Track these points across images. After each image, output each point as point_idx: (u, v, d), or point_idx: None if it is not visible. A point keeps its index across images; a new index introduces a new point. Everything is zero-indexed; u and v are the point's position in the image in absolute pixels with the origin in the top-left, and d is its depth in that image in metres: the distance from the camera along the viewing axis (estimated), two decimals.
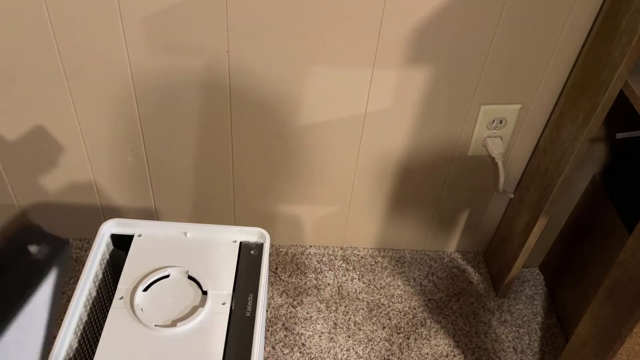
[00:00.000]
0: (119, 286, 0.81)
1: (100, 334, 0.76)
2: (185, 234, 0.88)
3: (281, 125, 1.09)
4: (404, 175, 1.19)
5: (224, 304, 0.80)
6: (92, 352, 0.73)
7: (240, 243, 0.88)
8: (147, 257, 0.84)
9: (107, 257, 0.87)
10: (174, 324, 0.77)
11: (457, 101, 1.06)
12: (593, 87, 0.94)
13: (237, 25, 0.94)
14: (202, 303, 0.79)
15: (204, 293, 0.81)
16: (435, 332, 1.21)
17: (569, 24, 0.96)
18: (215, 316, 0.78)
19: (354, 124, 1.09)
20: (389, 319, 1.22)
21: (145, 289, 0.81)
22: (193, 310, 0.78)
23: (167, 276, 0.82)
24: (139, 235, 0.87)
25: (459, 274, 1.32)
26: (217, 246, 0.87)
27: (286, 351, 1.14)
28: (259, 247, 0.88)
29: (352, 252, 1.34)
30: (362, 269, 1.31)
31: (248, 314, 0.79)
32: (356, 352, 1.16)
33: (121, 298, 0.79)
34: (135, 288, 0.80)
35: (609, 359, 0.85)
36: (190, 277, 0.83)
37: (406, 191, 1.22)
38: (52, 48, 0.95)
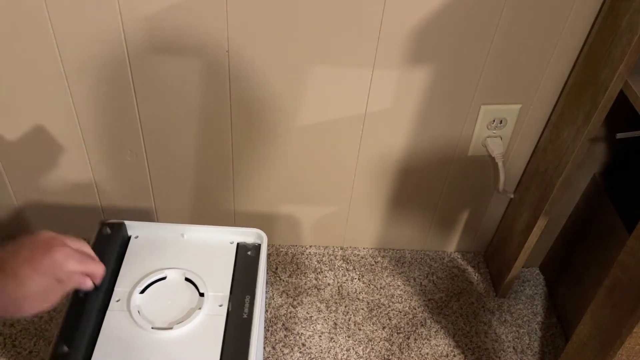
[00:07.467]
0: (115, 288, 0.81)
1: (97, 337, 0.76)
2: (182, 235, 0.88)
3: (281, 125, 1.08)
4: (404, 175, 1.18)
5: (221, 305, 0.80)
6: (89, 354, 0.73)
7: (238, 244, 0.88)
8: (144, 259, 0.84)
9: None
10: (171, 326, 0.77)
11: (457, 101, 1.06)
12: (593, 87, 0.94)
13: (237, 25, 0.93)
14: (199, 305, 0.79)
15: (201, 295, 0.81)
16: (435, 332, 1.20)
17: (569, 24, 0.95)
18: (213, 318, 0.78)
19: (354, 124, 1.09)
20: (389, 319, 1.22)
21: (142, 291, 0.81)
22: (190, 312, 0.78)
23: (164, 278, 0.82)
24: (136, 237, 0.87)
25: (459, 274, 1.32)
26: (214, 247, 0.87)
27: (286, 351, 1.14)
28: (256, 248, 0.87)
29: (352, 252, 1.34)
30: (362, 269, 1.31)
31: (245, 316, 0.79)
32: (356, 352, 1.16)
33: (118, 300, 0.79)
34: (132, 290, 0.80)
35: (609, 359, 0.85)
36: (187, 279, 0.82)
37: (406, 191, 1.22)
38: (51, 47, 0.95)
